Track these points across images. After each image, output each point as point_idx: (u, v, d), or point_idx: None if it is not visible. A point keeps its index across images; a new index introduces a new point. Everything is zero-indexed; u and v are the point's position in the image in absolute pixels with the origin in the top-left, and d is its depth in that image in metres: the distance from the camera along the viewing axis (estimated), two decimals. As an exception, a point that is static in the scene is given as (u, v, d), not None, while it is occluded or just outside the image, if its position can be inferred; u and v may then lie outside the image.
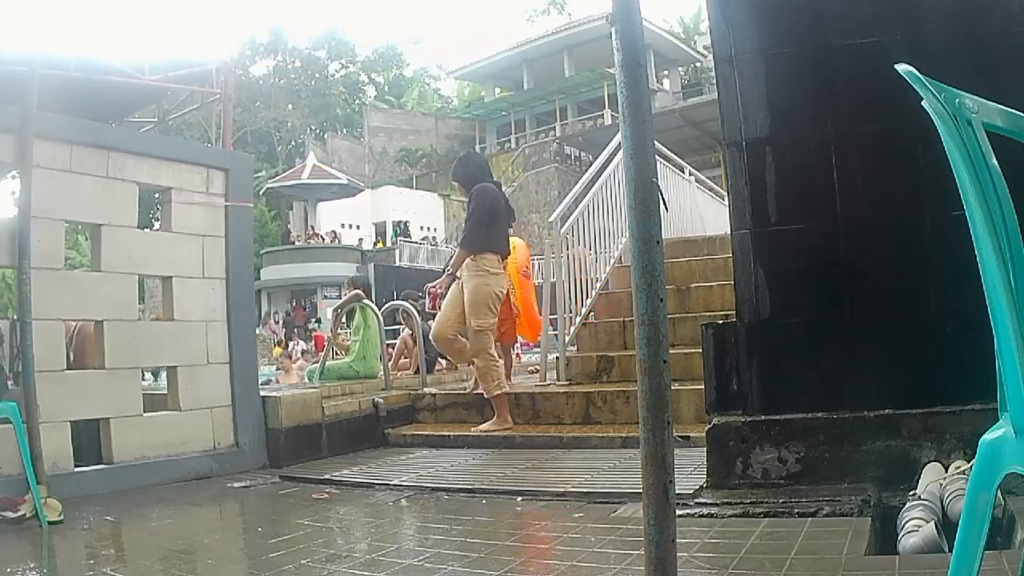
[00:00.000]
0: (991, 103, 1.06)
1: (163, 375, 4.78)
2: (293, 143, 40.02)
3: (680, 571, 1.37)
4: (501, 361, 4.81)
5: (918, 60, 1.05)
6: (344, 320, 8.07)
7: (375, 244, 30.93)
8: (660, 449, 1.35)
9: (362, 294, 6.42)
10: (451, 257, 5.05)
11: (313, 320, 24.85)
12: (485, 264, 4.55)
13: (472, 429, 4.59)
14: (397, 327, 11.13)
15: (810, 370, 2.79)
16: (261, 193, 27.97)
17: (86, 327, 4.46)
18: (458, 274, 4.64)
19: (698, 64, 34.46)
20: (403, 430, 5.04)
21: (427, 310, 6.29)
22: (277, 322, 24.69)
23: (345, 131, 39.91)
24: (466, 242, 4.57)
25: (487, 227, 4.59)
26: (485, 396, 4.62)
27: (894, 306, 2.72)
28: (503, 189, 5.20)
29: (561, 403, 4.76)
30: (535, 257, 7.88)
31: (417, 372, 6.15)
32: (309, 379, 6.69)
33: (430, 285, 4.65)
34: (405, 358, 7.52)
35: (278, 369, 12.16)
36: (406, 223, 30.64)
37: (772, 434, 2.73)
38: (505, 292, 4.79)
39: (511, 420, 4.58)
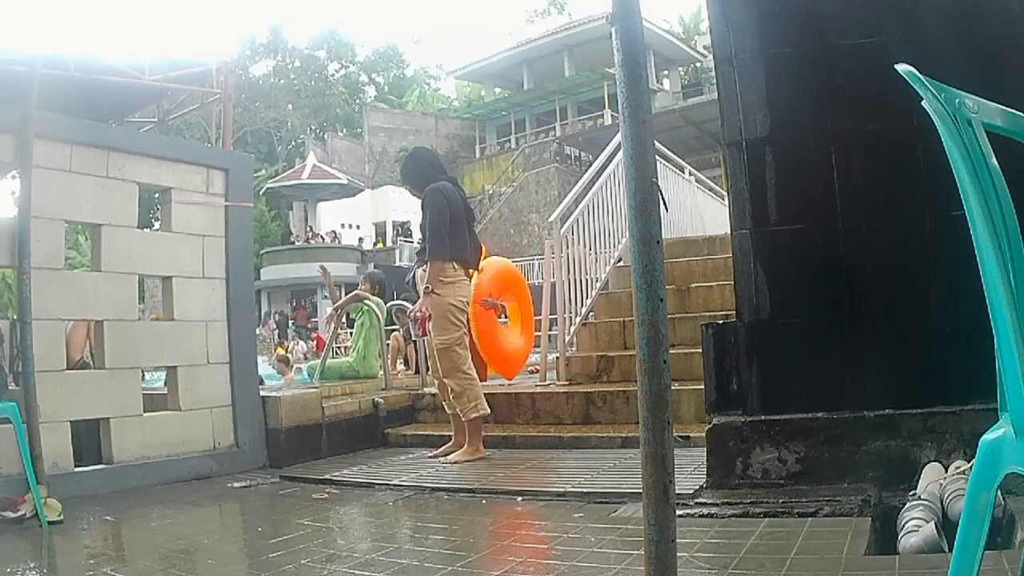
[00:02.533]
0: (991, 103, 1.06)
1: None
2: (293, 143, 40.05)
3: (680, 571, 1.37)
4: (477, 380, 4.28)
5: (918, 60, 1.05)
6: (345, 320, 8.04)
7: (375, 244, 30.95)
8: (660, 449, 1.35)
9: (362, 294, 6.45)
10: (411, 273, 4.53)
11: (293, 326, 24.79)
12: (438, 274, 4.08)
13: (441, 459, 4.12)
14: (395, 327, 11.15)
15: (810, 370, 2.79)
16: (261, 193, 28.00)
17: (77, 326, 4.46)
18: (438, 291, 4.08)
19: (698, 64, 34.44)
20: (403, 430, 5.05)
21: (415, 336, 5.94)
22: (275, 325, 24.67)
23: (345, 131, 39.89)
24: (434, 253, 4.04)
25: (448, 231, 4.07)
26: (462, 419, 4.13)
27: (894, 306, 2.72)
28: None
29: (561, 403, 4.76)
30: (535, 257, 7.83)
31: (417, 372, 6.15)
32: (309, 378, 6.70)
33: (412, 310, 4.05)
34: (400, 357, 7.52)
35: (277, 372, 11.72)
36: (407, 223, 30.64)
37: (772, 434, 2.73)
38: (469, 299, 4.30)
39: (484, 450, 4.11)
